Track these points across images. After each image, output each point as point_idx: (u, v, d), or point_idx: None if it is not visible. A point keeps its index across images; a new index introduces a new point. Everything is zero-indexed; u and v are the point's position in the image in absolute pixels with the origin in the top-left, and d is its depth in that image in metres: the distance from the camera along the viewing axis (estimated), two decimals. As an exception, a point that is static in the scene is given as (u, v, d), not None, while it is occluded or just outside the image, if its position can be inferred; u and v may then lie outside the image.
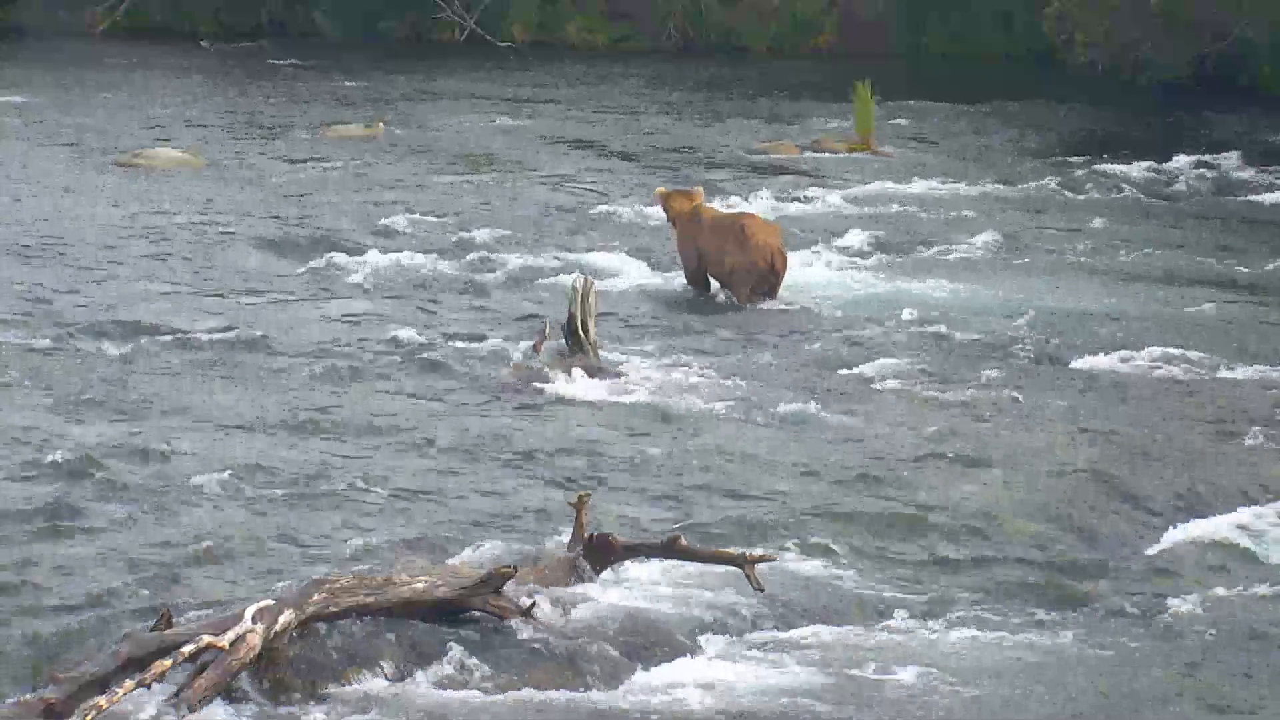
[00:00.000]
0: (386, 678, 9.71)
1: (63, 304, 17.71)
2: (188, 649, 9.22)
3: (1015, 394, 15.47)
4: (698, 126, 31.93)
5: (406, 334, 16.86)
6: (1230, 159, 28.57)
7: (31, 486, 12.43)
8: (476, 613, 10.15)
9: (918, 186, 25.75)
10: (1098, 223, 23.52)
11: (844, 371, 16.07)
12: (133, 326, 16.83)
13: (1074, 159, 28.53)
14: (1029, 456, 13.74)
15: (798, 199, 24.67)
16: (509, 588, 10.19)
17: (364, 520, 12.03)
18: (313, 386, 15.25)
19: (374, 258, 20.14)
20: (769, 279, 18.58)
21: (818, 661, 10.11)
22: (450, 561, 10.99)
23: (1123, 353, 16.75)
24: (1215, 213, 24.74)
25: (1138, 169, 27.63)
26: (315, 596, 9.78)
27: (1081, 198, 25.55)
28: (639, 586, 10.87)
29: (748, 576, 10.44)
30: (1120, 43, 35.85)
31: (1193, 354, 16.71)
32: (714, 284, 18.97)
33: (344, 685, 9.61)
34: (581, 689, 9.75)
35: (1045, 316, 18.24)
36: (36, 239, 20.75)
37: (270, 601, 9.64)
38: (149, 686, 9.11)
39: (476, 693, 9.66)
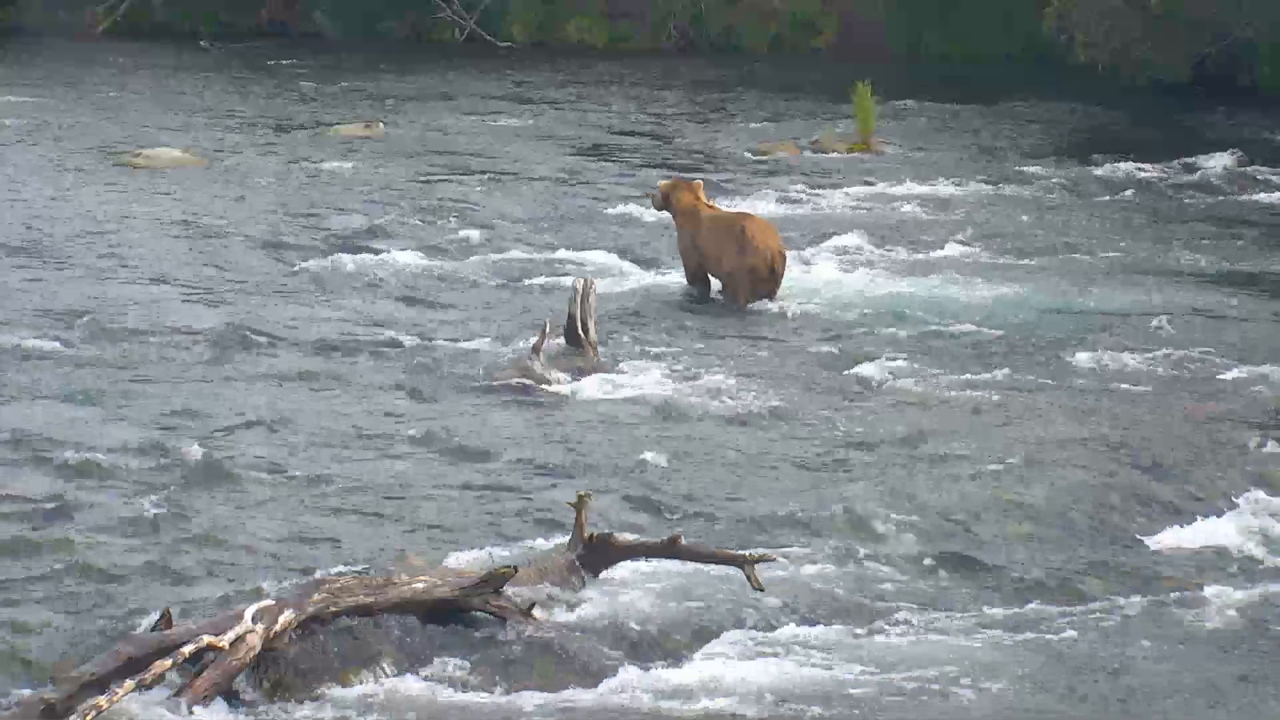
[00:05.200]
0: (386, 678, 9.71)
1: (62, 303, 17.70)
2: (188, 649, 9.22)
3: (1015, 394, 15.48)
4: (698, 126, 31.91)
5: (406, 334, 16.87)
6: (1230, 159, 28.54)
7: (31, 486, 12.44)
8: (476, 613, 10.15)
9: (918, 186, 25.72)
10: (1097, 223, 23.51)
11: (843, 371, 16.07)
12: (132, 326, 16.83)
13: (1074, 159, 28.50)
14: (1029, 456, 13.73)
15: (798, 199, 24.66)
16: (509, 588, 10.19)
17: (364, 520, 12.03)
18: (312, 386, 15.26)
19: (374, 258, 20.15)
20: (768, 282, 18.57)
21: (817, 661, 10.11)
22: (450, 561, 11.00)
23: (1123, 352, 16.74)
24: (1215, 212, 24.72)
25: (1138, 169, 27.60)
26: (315, 596, 9.79)
27: (1081, 198, 25.54)
28: (639, 586, 10.87)
29: (747, 576, 10.45)
30: (1120, 43, 35.81)
31: (1193, 354, 16.71)
32: (714, 283, 18.97)
33: (344, 685, 9.62)
34: (581, 689, 9.75)
35: (1045, 316, 18.24)
36: (36, 239, 20.74)
37: (270, 601, 9.65)
38: (149, 686, 9.11)
39: (476, 693, 9.67)
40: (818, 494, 12.76)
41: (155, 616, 9.71)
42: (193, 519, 11.89)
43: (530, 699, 9.63)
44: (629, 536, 11.16)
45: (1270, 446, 14.08)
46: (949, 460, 13.61)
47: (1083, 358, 16.65)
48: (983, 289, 19.47)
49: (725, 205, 21.44)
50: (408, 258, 20.24)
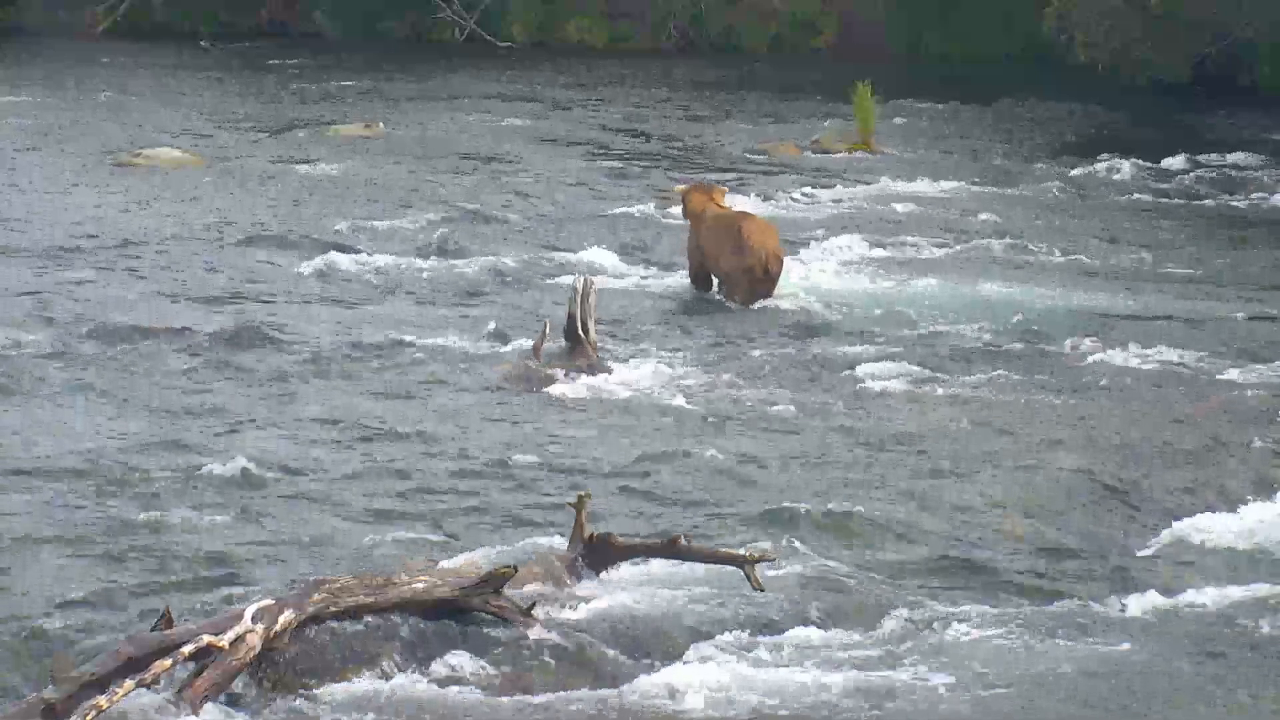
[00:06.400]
0: (386, 678, 9.70)
1: (61, 304, 17.71)
2: (188, 649, 9.22)
3: (1015, 394, 15.49)
4: (698, 126, 31.93)
5: (406, 334, 16.86)
6: (1230, 159, 28.57)
7: (30, 485, 12.44)
8: (476, 613, 10.15)
9: (918, 186, 25.75)
10: (1097, 223, 23.53)
11: (843, 371, 16.07)
12: (131, 326, 16.83)
13: (1074, 159, 28.53)
14: (1029, 456, 13.74)
15: (798, 199, 24.67)
16: (509, 588, 10.19)
17: (364, 520, 12.03)
18: (312, 386, 15.26)
19: (374, 258, 20.16)
20: (764, 282, 18.60)
21: (817, 662, 10.11)
22: (450, 561, 10.99)
23: (1123, 352, 16.75)
24: (1215, 213, 24.74)
25: (1138, 169, 27.62)
26: (315, 596, 9.78)
27: (1081, 198, 25.56)
28: (639, 586, 10.87)
29: (748, 576, 10.45)
30: (1120, 43, 35.85)
31: (1193, 354, 16.72)
32: (715, 283, 19.00)
33: (344, 685, 9.61)
34: (581, 689, 9.75)
35: (1045, 316, 18.24)
36: (36, 239, 20.76)
37: (270, 601, 9.64)
38: (149, 686, 9.11)
39: (476, 693, 9.66)
40: (818, 494, 12.75)
41: (156, 617, 9.70)
42: (192, 519, 11.88)
43: (530, 699, 9.62)
44: (629, 536, 11.15)
45: (1270, 446, 14.08)
46: (949, 460, 13.61)
47: (1083, 358, 16.65)
48: (983, 289, 19.49)
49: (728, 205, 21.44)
50: (406, 258, 20.25)
